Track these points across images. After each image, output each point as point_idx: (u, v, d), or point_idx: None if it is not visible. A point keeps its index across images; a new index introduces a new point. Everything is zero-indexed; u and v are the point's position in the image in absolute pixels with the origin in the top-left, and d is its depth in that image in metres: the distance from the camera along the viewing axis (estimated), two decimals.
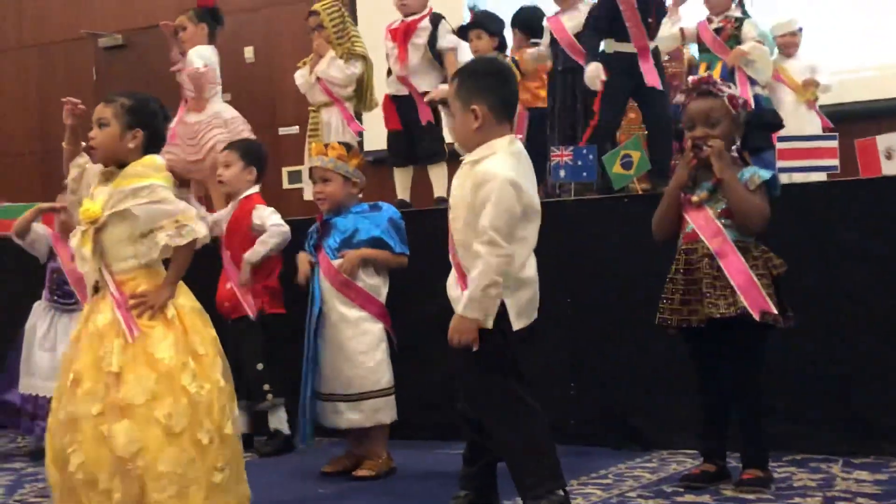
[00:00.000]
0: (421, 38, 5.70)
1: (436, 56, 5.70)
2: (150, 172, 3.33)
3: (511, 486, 3.26)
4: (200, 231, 3.35)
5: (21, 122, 9.75)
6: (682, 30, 6.22)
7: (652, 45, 5.38)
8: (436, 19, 5.71)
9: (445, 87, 5.49)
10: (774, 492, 3.58)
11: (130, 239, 3.31)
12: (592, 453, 4.40)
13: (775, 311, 3.52)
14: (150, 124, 3.38)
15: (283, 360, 4.73)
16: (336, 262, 4.21)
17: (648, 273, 4.02)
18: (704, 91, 3.68)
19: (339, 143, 4.36)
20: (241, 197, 4.88)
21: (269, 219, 4.77)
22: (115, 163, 3.36)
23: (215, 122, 6.06)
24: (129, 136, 3.34)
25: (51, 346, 5.02)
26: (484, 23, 6.01)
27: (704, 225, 3.61)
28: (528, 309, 3.24)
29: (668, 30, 5.94)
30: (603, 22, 5.39)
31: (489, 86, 3.30)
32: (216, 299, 4.76)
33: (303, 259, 4.31)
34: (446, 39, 5.68)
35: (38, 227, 5.16)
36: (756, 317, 3.49)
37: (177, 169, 6.07)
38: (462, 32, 5.92)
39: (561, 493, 3.17)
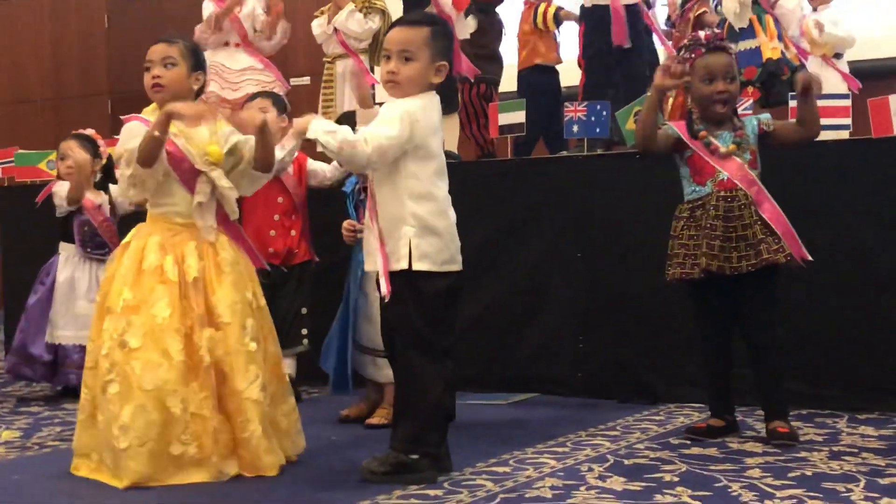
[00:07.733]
0: None
1: None
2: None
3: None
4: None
5: (34, 69, 9.74)
6: None
7: None
8: None
9: None
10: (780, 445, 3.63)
11: None
12: (600, 406, 4.48)
13: (810, 258, 3.66)
14: (205, 69, 3.47)
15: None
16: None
17: (659, 229, 4.04)
18: (720, 47, 3.75)
19: None
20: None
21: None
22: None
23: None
24: (194, 77, 3.40)
25: (94, 297, 5.09)
26: None
27: (740, 174, 3.68)
28: (436, 256, 3.23)
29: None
30: None
31: (452, 51, 3.42)
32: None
33: (347, 227, 4.28)
34: None
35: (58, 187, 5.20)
36: (801, 263, 3.64)
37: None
38: None
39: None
